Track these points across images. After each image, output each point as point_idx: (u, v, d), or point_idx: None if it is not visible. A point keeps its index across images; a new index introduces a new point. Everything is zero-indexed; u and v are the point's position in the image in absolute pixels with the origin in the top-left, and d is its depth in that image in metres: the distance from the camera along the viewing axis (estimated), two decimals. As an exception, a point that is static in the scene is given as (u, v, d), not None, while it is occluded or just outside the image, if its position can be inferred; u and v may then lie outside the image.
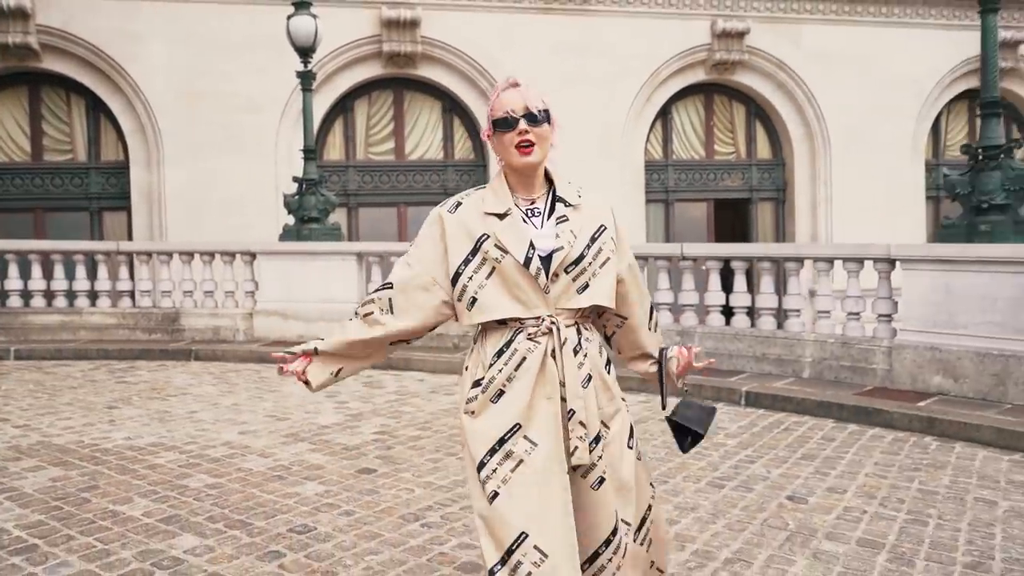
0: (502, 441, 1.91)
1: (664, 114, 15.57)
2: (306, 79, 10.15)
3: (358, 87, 14.49)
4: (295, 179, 10.26)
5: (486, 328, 2.01)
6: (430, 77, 14.52)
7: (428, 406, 6.53)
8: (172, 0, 13.26)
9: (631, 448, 2.08)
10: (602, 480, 1.97)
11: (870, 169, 15.56)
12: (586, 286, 1.98)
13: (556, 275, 1.95)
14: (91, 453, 5.00)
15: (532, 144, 1.96)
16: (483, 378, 1.97)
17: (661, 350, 2.24)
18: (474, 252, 1.97)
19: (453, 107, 14.88)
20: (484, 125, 2.06)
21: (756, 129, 16.24)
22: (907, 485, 4.49)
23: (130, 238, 13.32)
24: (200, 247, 10.37)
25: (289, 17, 9.98)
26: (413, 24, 13.88)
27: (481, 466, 1.92)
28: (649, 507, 2.17)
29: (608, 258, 2.03)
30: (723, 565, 3.34)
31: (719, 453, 5.13)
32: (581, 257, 1.98)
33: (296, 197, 10.13)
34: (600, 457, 1.97)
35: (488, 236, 1.96)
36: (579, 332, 2.00)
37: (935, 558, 3.46)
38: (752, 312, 7.96)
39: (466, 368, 2.07)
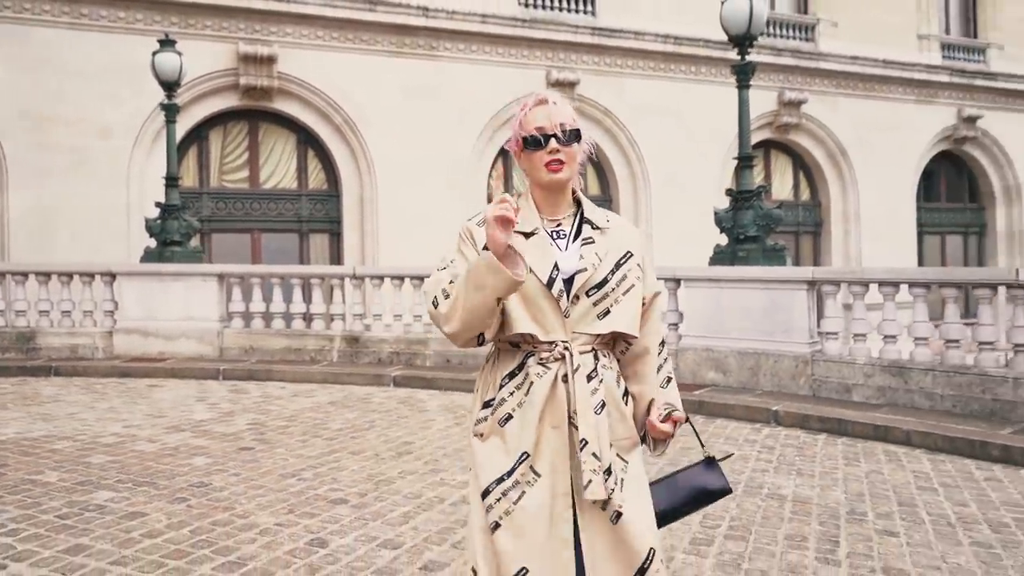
0: (510, 472, 1.87)
1: (505, 152, 17.06)
2: (170, 111, 10.78)
3: (213, 117, 15.02)
4: (157, 204, 10.80)
5: (499, 349, 1.97)
6: (286, 110, 15.30)
7: (292, 405, 7.43)
8: (19, 23, 13.35)
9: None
10: (619, 514, 1.88)
11: (684, 206, 17.72)
12: (607, 312, 1.92)
13: (576, 298, 1.90)
14: (-12, 444, 5.59)
15: (563, 163, 1.91)
16: (493, 399, 1.93)
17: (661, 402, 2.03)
18: None
19: (308, 140, 15.70)
20: (511, 141, 2.00)
21: (587, 169, 18.10)
22: (672, 444, 5.93)
23: (-32, 261, 13.14)
24: (58, 268, 10.65)
25: (155, 53, 10.60)
26: (270, 60, 14.64)
27: (486, 493, 1.88)
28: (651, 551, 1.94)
29: (633, 285, 1.96)
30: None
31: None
32: (604, 282, 1.92)
33: (158, 221, 10.67)
34: (613, 490, 1.88)
35: None
36: (596, 358, 1.92)
37: (677, 483, 4.85)
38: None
39: (477, 389, 2.03)
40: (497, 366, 1.96)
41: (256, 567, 3.40)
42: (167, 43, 10.59)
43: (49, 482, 4.58)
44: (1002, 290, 6.73)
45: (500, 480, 1.87)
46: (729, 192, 8.28)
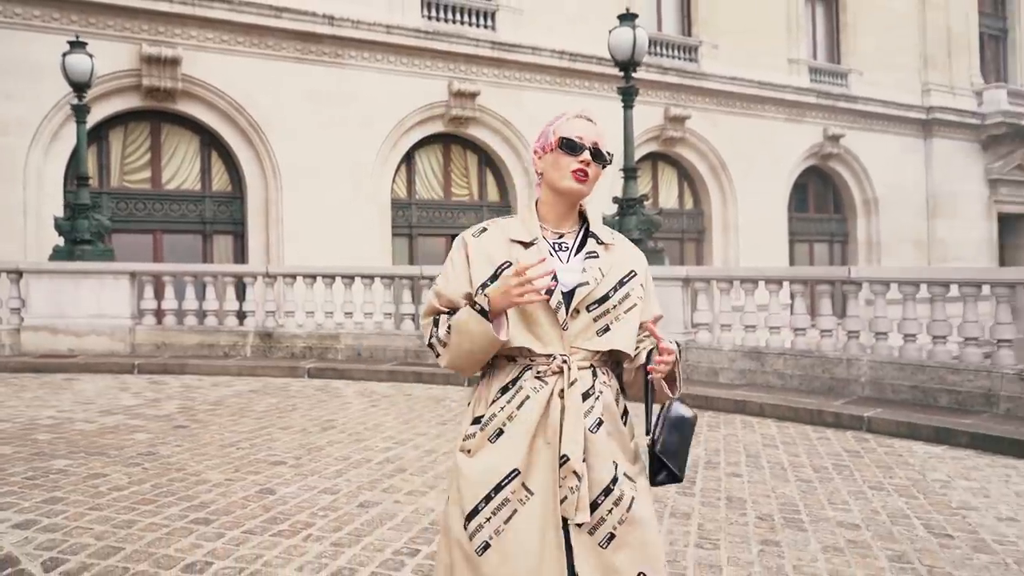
0: (499, 488, 1.80)
1: (408, 159, 17.75)
2: (81, 112, 10.93)
3: (114, 117, 15.01)
4: (67, 204, 10.93)
5: (494, 362, 1.90)
6: (190, 112, 15.44)
7: (214, 393, 7.90)
8: (-92, 17, 13.05)
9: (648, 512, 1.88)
10: (612, 536, 1.80)
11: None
12: (607, 328, 1.87)
13: (576, 311, 1.85)
14: (-73, 427, 5.87)
15: (587, 176, 1.90)
16: (483, 415, 1.87)
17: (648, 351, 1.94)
18: (493, 278, 1.86)
19: (212, 142, 15.89)
20: (537, 142, 2.01)
21: (487, 175, 18.99)
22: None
23: None
24: (-39, 266, 10.61)
25: (65, 54, 10.74)
26: (174, 62, 14.78)
27: (475, 513, 1.81)
28: None
29: (635, 304, 1.92)
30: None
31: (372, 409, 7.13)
32: (606, 297, 1.87)
33: (68, 220, 10.80)
34: (610, 511, 1.80)
35: (510, 264, 1.85)
36: (594, 375, 1.86)
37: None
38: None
39: (468, 404, 1.97)
40: (492, 380, 1.90)
41: (218, 508, 4.02)
42: (78, 44, 10.76)
43: (4, 454, 5.01)
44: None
45: (488, 498, 1.80)
46: (616, 200, 9.30)
